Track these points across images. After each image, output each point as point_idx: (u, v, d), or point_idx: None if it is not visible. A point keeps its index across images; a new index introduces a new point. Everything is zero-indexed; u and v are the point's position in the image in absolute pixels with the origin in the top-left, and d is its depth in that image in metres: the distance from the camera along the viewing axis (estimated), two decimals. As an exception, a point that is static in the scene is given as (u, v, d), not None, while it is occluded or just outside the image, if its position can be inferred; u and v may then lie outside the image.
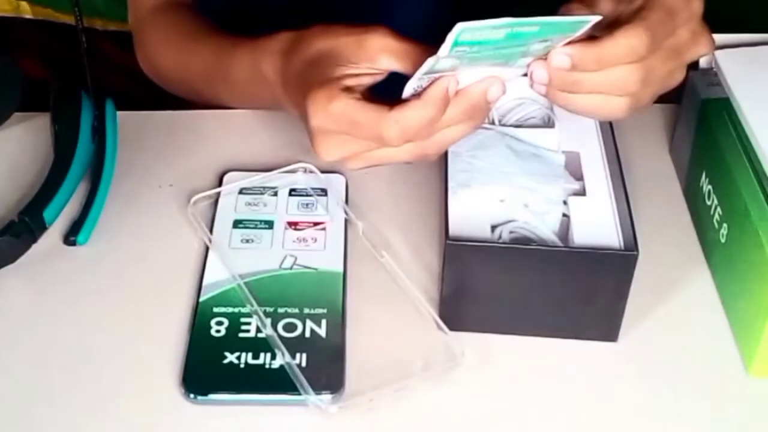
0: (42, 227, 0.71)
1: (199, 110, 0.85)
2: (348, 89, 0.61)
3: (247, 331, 0.64)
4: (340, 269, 0.69)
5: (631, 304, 0.65)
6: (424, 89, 0.58)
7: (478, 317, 0.66)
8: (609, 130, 0.72)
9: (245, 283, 0.67)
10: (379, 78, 0.63)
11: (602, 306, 0.64)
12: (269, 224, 0.72)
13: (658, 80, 0.62)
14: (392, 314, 0.67)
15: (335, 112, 0.60)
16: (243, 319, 0.65)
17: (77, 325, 0.67)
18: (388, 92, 0.61)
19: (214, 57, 0.78)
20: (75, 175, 0.75)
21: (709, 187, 0.71)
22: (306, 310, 0.65)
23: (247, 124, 0.83)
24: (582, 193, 0.69)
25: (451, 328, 0.65)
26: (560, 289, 0.64)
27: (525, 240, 0.66)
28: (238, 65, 0.74)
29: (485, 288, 0.64)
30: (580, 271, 0.63)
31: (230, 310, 0.66)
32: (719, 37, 0.74)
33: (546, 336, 0.66)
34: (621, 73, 0.60)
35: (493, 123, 0.74)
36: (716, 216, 0.69)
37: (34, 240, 0.71)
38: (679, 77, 0.64)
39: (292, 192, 0.75)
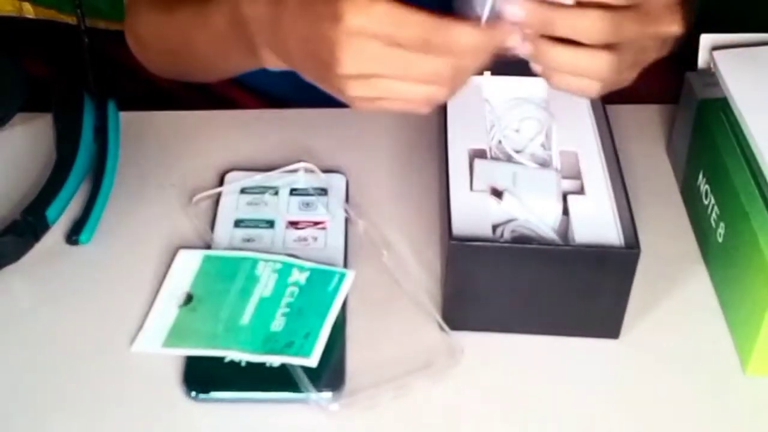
0: (44, 226, 0.72)
1: (201, 110, 0.86)
2: None
3: (249, 329, 0.65)
4: (341, 268, 0.69)
5: (629, 301, 0.65)
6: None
7: (481, 316, 0.66)
8: (606, 129, 0.73)
9: (247, 282, 0.67)
10: None
11: (604, 303, 0.65)
12: (270, 224, 0.72)
13: (633, 47, 0.62)
14: (393, 313, 0.67)
15: (380, 11, 0.57)
16: (244, 318, 0.65)
17: (79, 323, 0.67)
18: None
19: (194, 9, 0.77)
20: (77, 175, 0.76)
21: (707, 186, 0.71)
22: (307, 309, 0.66)
23: (249, 124, 0.84)
24: (581, 191, 0.69)
25: (454, 327, 0.65)
26: (562, 288, 0.64)
27: (526, 239, 0.66)
28: (216, 10, 0.73)
29: (487, 287, 0.65)
30: (582, 269, 0.63)
31: (232, 308, 0.66)
32: (718, 37, 0.75)
33: (548, 334, 0.66)
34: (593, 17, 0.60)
35: (492, 127, 0.75)
36: (713, 215, 0.70)
37: (37, 239, 0.71)
38: (652, 55, 0.64)
39: (293, 191, 0.75)
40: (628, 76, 0.64)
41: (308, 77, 0.65)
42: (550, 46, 0.61)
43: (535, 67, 0.63)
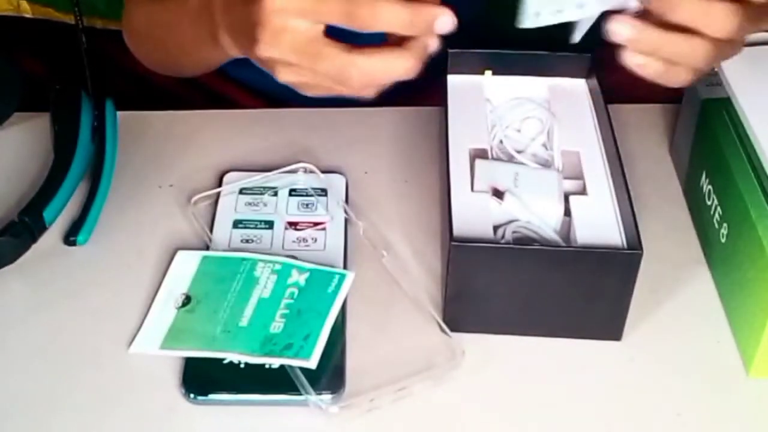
0: (42, 227, 0.71)
1: (200, 110, 0.85)
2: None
3: (248, 331, 0.64)
4: (341, 269, 0.68)
5: (631, 303, 0.65)
6: None
7: (482, 317, 0.66)
8: (609, 128, 0.72)
9: (245, 283, 0.67)
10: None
11: (606, 305, 0.64)
12: (269, 224, 0.72)
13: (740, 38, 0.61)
14: (393, 314, 0.67)
15: (295, 45, 0.59)
16: (243, 319, 0.65)
17: (77, 325, 0.67)
18: None
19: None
20: (75, 175, 0.75)
21: (709, 187, 0.71)
22: (306, 310, 0.65)
23: (248, 124, 0.83)
24: (583, 192, 0.69)
25: (454, 329, 0.65)
26: (564, 289, 0.64)
27: (527, 240, 0.66)
28: None
29: (488, 288, 0.64)
30: (584, 270, 0.63)
31: (230, 310, 0.66)
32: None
33: (549, 336, 0.66)
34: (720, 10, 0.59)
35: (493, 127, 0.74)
36: (716, 216, 0.69)
37: (34, 240, 0.71)
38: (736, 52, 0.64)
39: (292, 192, 0.75)
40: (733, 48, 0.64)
41: (254, 61, 0.65)
42: (663, 33, 0.59)
43: (633, 57, 0.61)
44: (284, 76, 0.62)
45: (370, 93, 0.62)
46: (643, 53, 0.60)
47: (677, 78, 0.62)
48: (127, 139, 0.81)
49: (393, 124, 0.83)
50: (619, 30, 0.59)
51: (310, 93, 0.63)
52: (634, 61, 0.61)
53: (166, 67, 0.89)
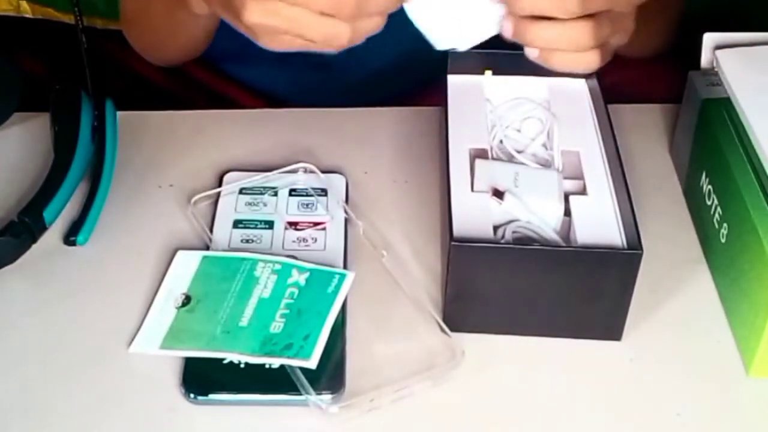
0: (42, 227, 0.71)
1: (200, 110, 0.85)
2: None
3: (248, 331, 0.64)
4: (341, 269, 0.68)
5: (631, 303, 0.65)
6: None
7: (482, 317, 0.66)
8: (609, 128, 0.72)
9: (245, 283, 0.67)
10: None
11: (606, 305, 0.64)
12: (269, 224, 0.72)
13: (606, 15, 0.63)
14: (393, 314, 0.67)
15: None
16: (243, 319, 0.65)
17: (77, 325, 0.67)
18: None
19: None
20: (75, 175, 0.75)
21: (709, 187, 0.71)
22: (306, 310, 0.65)
23: (248, 124, 0.83)
24: (583, 192, 0.69)
25: (455, 329, 0.65)
26: (564, 289, 0.64)
27: (527, 240, 0.66)
28: None
29: (489, 288, 0.64)
30: (584, 270, 0.63)
31: (230, 310, 0.66)
32: (721, 37, 0.74)
33: (549, 336, 0.66)
34: None
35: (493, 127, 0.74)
36: (716, 216, 0.69)
37: (34, 240, 0.71)
38: (630, 19, 0.66)
39: (292, 192, 0.75)
40: (616, 42, 0.66)
41: (218, 10, 0.65)
42: (528, 24, 0.63)
43: (530, 51, 0.65)
44: (255, 17, 0.60)
45: (342, 40, 0.61)
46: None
47: (563, 63, 0.65)
48: (127, 139, 0.81)
49: (393, 124, 0.83)
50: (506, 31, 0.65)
51: (271, 45, 0.62)
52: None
53: (157, 53, 0.89)
